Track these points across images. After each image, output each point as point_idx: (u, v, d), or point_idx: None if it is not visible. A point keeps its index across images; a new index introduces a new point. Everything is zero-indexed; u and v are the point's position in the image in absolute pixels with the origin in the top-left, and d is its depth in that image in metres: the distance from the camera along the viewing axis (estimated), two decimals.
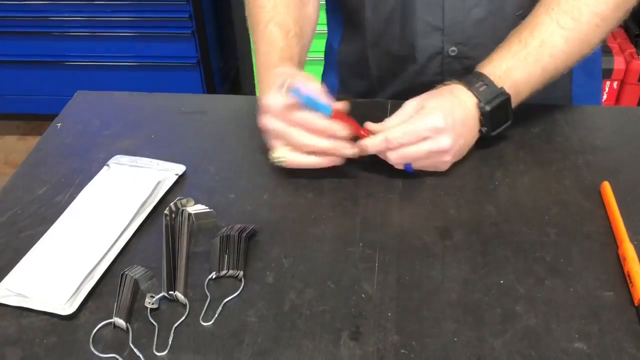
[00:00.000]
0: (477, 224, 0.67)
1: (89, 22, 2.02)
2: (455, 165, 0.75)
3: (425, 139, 0.69)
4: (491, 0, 0.81)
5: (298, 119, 0.70)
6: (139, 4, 1.97)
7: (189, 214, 0.68)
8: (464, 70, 0.85)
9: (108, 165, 0.77)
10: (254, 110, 0.85)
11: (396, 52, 0.88)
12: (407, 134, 0.69)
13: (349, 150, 0.71)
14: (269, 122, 0.72)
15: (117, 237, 0.67)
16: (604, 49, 2.06)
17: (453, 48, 0.85)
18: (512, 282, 0.60)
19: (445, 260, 0.63)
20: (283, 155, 0.72)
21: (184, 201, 0.70)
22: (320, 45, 1.03)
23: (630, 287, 0.59)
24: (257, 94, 0.79)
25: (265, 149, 0.75)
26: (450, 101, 0.72)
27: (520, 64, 0.74)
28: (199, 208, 0.69)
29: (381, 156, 0.72)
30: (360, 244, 0.65)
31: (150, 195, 0.72)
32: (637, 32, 2.12)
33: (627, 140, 0.79)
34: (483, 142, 0.79)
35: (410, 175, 0.73)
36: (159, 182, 0.73)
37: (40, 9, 2.01)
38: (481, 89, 0.73)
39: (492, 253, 0.64)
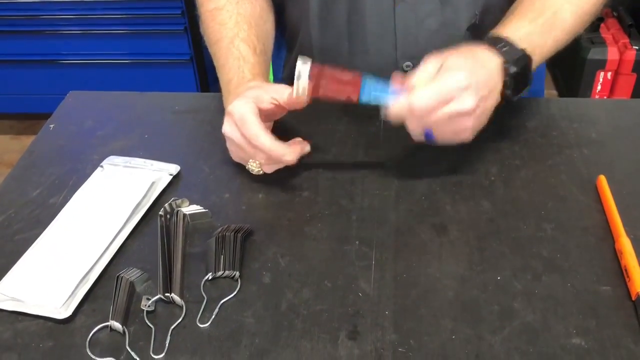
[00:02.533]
0: (474, 219, 0.67)
1: (82, 20, 2.01)
2: (451, 160, 0.75)
3: (448, 100, 0.64)
4: (444, 11, 0.80)
5: (248, 132, 0.68)
6: (131, 2, 1.96)
7: (184, 215, 0.68)
8: None
9: (102, 166, 0.76)
10: None
11: (347, 68, 0.86)
12: (431, 98, 0.64)
13: (289, 156, 0.68)
14: (231, 131, 0.70)
15: (112, 239, 0.66)
16: (598, 40, 2.06)
17: (407, 63, 0.83)
18: (509, 279, 0.60)
19: (442, 257, 0.63)
20: (257, 166, 0.71)
21: (178, 202, 0.69)
22: None
23: (627, 281, 0.59)
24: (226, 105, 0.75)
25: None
26: (473, 60, 0.67)
27: (538, 30, 0.73)
28: (194, 208, 0.69)
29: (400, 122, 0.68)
30: (357, 242, 0.65)
31: (145, 196, 0.72)
32: (630, 23, 2.11)
33: (623, 133, 0.79)
34: (477, 137, 0.78)
35: (406, 172, 0.73)
36: (153, 183, 0.73)
37: (32, 8, 1.99)
38: (504, 49, 0.69)
39: (488, 249, 0.64)
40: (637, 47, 2.03)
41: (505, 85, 0.69)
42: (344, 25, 0.82)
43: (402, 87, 0.67)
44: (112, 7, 1.97)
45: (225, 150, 0.79)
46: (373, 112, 0.84)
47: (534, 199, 0.69)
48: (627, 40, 2.05)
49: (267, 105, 0.69)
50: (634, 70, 2.05)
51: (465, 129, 0.67)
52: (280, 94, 0.69)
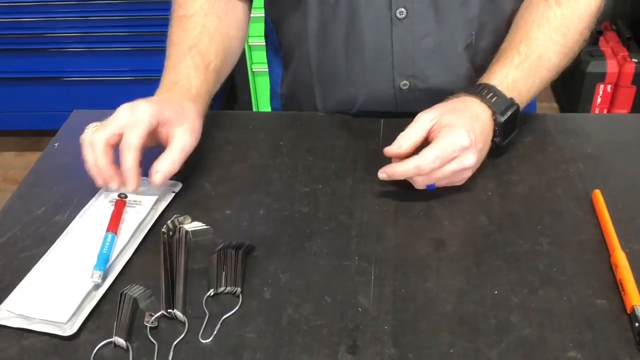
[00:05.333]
0: (471, 234, 0.68)
1: (85, 37, 2.03)
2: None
3: (451, 159, 0.69)
4: (440, 31, 0.81)
5: (128, 133, 0.70)
6: (135, 19, 1.98)
7: (186, 232, 0.69)
8: (418, 101, 0.85)
9: None
10: (249, 126, 0.87)
11: (345, 88, 0.88)
12: (437, 158, 0.68)
13: (131, 186, 0.70)
14: (119, 116, 0.73)
15: (116, 256, 0.68)
16: (597, 53, 2.08)
17: (405, 82, 0.84)
18: (506, 293, 0.61)
19: (440, 272, 0.64)
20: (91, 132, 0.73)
21: (181, 219, 0.70)
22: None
23: (622, 295, 0.60)
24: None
25: (257, 165, 0.76)
26: (468, 116, 0.71)
27: (524, 75, 0.76)
28: (196, 225, 0.70)
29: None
30: (356, 258, 0.66)
31: (148, 213, 0.73)
32: (629, 36, 2.13)
33: (618, 148, 0.80)
34: None
35: (404, 187, 0.74)
36: (156, 201, 0.74)
37: (36, 26, 2.02)
38: (493, 100, 0.73)
39: (486, 263, 0.65)
40: (636, 60, 2.05)
41: (494, 134, 0.74)
42: (341, 44, 0.84)
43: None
44: (115, 25, 2.00)
45: (225, 168, 0.80)
46: (372, 128, 0.86)
47: (531, 214, 0.70)
48: (626, 53, 2.07)
49: (151, 128, 0.72)
50: (633, 83, 2.07)
51: (463, 178, 0.73)
52: (176, 140, 0.73)
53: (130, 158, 0.69)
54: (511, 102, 0.74)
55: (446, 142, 0.68)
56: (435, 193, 0.74)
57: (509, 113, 0.73)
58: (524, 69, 0.76)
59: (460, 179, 0.72)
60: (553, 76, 0.79)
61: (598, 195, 0.70)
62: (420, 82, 0.84)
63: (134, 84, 2.12)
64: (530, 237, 0.67)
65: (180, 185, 0.77)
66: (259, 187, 0.77)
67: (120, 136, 0.71)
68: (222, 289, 0.63)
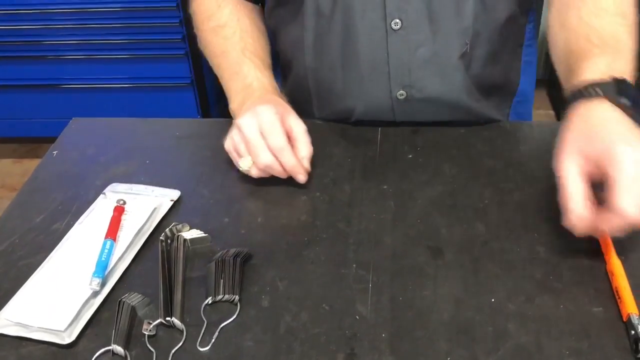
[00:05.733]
0: (468, 242, 0.69)
1: (83, 45, 2.04)
2: (446, 184, 0.76)
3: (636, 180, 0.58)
4: (435, 41, 0.82)
5: (275, 137, 0.74)
6: (133, 27, 1.99)
7: (185, 239, 0.69)
8: (415, 111, 0.86)
9: (104, 193, 0.78)
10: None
11: (342, 98, 0.88)
12: (632, 192, 0.58)
13: (302, 177, 0.75)
14: (250, 127, 0.74)
15: (114, 264, 0.68)
16: None
17: (401, 92, 0.85)
18: (503, 300, 0.62)
19: (437, 280, 0.64)
20: (248, 164, 0.76)
21: (179, 227, 0.71)
22: None
23: (618, 302, 0.60)
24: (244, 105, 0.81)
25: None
26: (605, 127, 0.62)
27: (611, 59, 0.70)
28: (194, 233, 0.70)
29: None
30: (354, 265, 0.66)
31: (147, 221, 0.73)
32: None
33: None
34: (472, 160, 0.80)
35: (402, 195, 0.74)
36: (155, 209, 0.75)
37: (34, 33, 2.03)
38: (602, 90, 0.65)
39: (483, 271, 0.65)
40: None
41: (633, 118, 0.64)
42: (337, 55, 0.85)
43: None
44: (114, 33, 2.00)
45: (223, 176, 0.80)
46: (370, 136, 0.86)
47: (527, 222, 0.71)
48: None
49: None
50: None
51: None
52: (297, 129, 0.76)
53: (291, 156, 0.74)
54: (621, 81, 0.65)
55: (622, 170, 0.58)
56: (431, 200, 0.74)
57: (629, 92, 0.65)
58: (608, 53, 0.70)
59: None
60: (634, 58, 0.72)
61: None
62: (417, 91, 0.84)
63: (132, 91, 2.12)
64: (527, 245, 0.68)
65: (178, 193, 0.77)
66: (257, 195, 0.77)
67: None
68: (220, 296, 0.63)
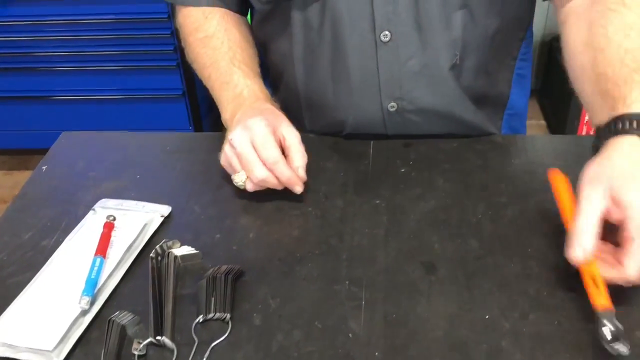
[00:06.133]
0: (462, 258, 0.68)
1: (75, 57, 2.03)
2: (439, 198, 0.76)
3: None
4: (425, 53, 0.82)
5: (266, 151, 0.73)
6: (124, 38, 1.98)
7: (175, 256, 0.69)
8: (407, 123, 0.86)
9: (94, 209, 0.77)
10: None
11: (333, 111, 0.88)
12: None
13: (298, 188, 0.75)
14: (242, 142, 0.74)
15: (103, 282, 0.67)
16: None
17: (392, 104, 0.85)
18: (497, 317, 0.61)
19: (430, 296, 0.64)
20: (242, 181, 0.75)
21: (169, 243, 0.70)
22: None
23: (590, 293, 0.59)
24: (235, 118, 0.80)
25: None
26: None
27: None
28: (185, 250, 0.69)
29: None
30: (347, 282, 0.66)
31: (137, 238, 0.72)
32: None
33: None
34: (465, 174, 0.80)
35: (395, 210, 0.74)
36: (145, 225, 0.74)
37: (25, 45, 2.02)
38: None
39: (476, 287, 0.64)
40: None
41: None
42: (327, 68, 0.84)
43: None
44: (105, 44, 2.00)
45: (215, 191, 0.80)
46: (362, 150, 0.86)
47: (520, 237, 0.70)
48: None
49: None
50: None
51: None
52: (290, 138, 0.75)
53: (285, 168, 0.73)
54: None
55: (634, 235, 0.57)
56: (424, 215, 0.74)
57: None
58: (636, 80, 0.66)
59: None
60: None
61: (556, 176, 0.67)
62: (408, 103, 0.84)
63: (123, 103, 2.11)
64: (521, 260, 0.67)
65: (169, 209, 0.76)
66: (249, 210, 0.77)
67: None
68: (211, 315, 0.62)
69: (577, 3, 0.76)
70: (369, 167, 0.83)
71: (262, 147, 0.73)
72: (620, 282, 0.59)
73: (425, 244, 0.70)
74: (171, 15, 1.88)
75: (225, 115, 0.82)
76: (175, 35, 1.95)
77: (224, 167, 0.77)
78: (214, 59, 0.86)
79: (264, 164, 0.73)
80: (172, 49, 1.98)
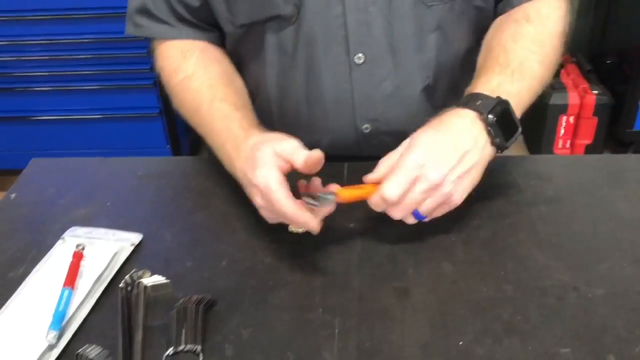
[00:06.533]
0: (435, 282, 0.68)
1: (53, 76, 2.01)
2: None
3: (415, 180, 0.66)
4: (398, 74, 0.82)
5: (275, 208, 0.66)
6: (101, 57, 1.97)
7: (145, 286, 0.67)
8: (382, 144, 0.84)
9: (63, 238, 0.75)
10: (212, 172, 0.85)
11: (307, 134, 0.85)
12: (398, 184, 0.65)
13: (315, 229, 0.67)
14: (262, 202, 0.68)
15: (72, 314, 0.65)
16: (559, 86, 2.12)
17: (366, 125, 0.84)
18: (471, 343, 0.61)
19: (404, 323, 0.63)
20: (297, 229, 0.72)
21: (139, 273, 0.69)
22: None
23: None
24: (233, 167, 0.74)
25: (219, 213, 0.75)
26: (434, 130, 0.68)
27: (508, 79, 0.73)
28: (155, 279, 0.68)
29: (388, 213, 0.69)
30: (320, 310, 0.65)
31: (107, 268, 0.71)
32: (589, 68, 2.18)
33: (579, 190, 0.81)
34: None
35: (369, 234, 0.73)
36: (115, 254, 0.72)
37: (3, 65, 2.00)
38: (478, 103, 0.70)
39: (450, 313, 0.64)
40: (596, 92, 2.09)
41: (491, 136, 0.69)
42: (301, 91, 0.84)
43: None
44: (81, 64, 1.99)
45: (187, 217, 0.79)
46: (336, 171, 0.85)
47: (494, 259, 0.70)
48: (586, 85, 2.11)
49: (285, 165, 0.67)
50: (594, 114, 2.11)
51: (448, 198, 0.68)
52: (292, 157, 0.67)
53: (296, 214, 0.66)
54: (498, 100, 0.70)
55: (401, 165, 0.66)
56: (398, 239, 0.73)
57: (498, 109, 0.69)
58: (507, 74, 0.73)
59: (444, 200, 0.68)
60: (539, 87, 0.77)
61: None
62: (383, 125, 0.84)
63: (100, 122, 2.10)
64: (494, 283, 0.67)
65: (140, 237, 0.75)
66: (221, 236, 0.76)
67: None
68: (181, 347, 0.61)
69: (502, 17, 0.84)
70: None
71: (273, 206, 0.66)
72: (377, 204, 0.67)
73: (399, 268, 0.70)
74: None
75: (224, 164, 0.77)
76: (151, 53, 1.94)
77: None
78: (197, 103, 0.82)
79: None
80: (148, 67, 1.97)
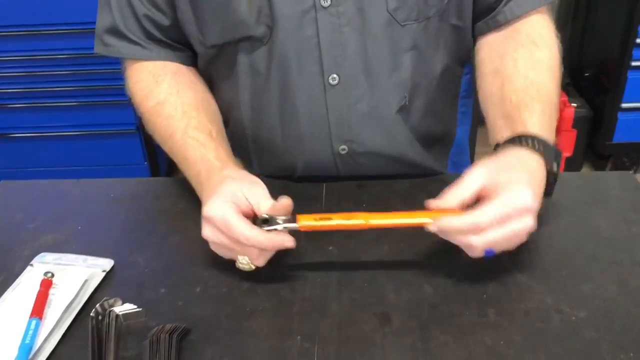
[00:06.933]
0: (416, 306, 0.66)
1: (30, 93, 1.98)
2: (392, 243, 0.74)
3: (512, 218, 0.62)
4: (374, 95, 0.80)
5: (235, 235, 0.65)
6: (76, 74, 1.94)
7: (117, 315, 0.65)
8: (359, 165, 0.84)
9: (32, 264, 0.73)
10: (186, 194, 0.83)
11: (282, 156, 0.85)
12: (498, 216, 0.61)
13: (290, 243, 0.66)
14: (213, 235, 0.67)
15: (40, 346, 0.63)
16: None
17: (343, 146, 0.83)
18: None
19: (385, 350, 0.61)
20: (247, 263, 0.68)
21: (111, 301, 0.66)
22: None
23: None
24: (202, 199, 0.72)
25: (193, 237, 0.73)
26: (527, 173, 0.65)
27: (547, 120, 0.73)
28: (127, 308, 0.66)
29: (451, 239, 0.65)
30: (298, 338, 0.63)
31: (77, 296, 0.68)
32: (567, 81, 2.20)
33: (561, 208, 0.80)
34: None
35: (348, 256, 0.72)
36: (85, 281, 0.70)
37: None
38: (543, 149, 0.68)
39: (432, 338, 0.62)
40: (575, 105, 2.10)
41: (547, 187, 0.69)
42: (276, 113, 0.82)
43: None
44: (56, 80, 1.96)
45: (160, 242, 0.77)
46: (314, 192, 0.84)
47: (476, 282, 0.69)
48: (565, 98, 2.12)
49: (245, 208, 0.67)
50: (574, 127, 2.12)
51: (518, 243, 0.65)
52: (258, 204, 0.67)
53: (260, 237, 0.65)
54: (557, 149, 0.70)
55: (509, 199, 0.62)
56: (378, 261, 0.72)
57: (558, 160, 0.69)
58: (545, 113, 0.74)
59: (515, 244, 0.65)
60: (557, 110, 0.78)
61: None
62: (359, 146, 0.83)
63: (77, 138, 2.06)
64: (476, 307, 0.66)
65: (112, 263, 0.73)
66: (196, 261, 0.73)
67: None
68: None
69: (491, 36, 0.83)
70: (322, 211, 0.80)
71: (228, 231, 0.65)
72: (464, 226, 0.62)
73: (379, 292, 0.68)
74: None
75: (198, 195, 0.76)
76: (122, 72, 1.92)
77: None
78: (170, 130, 0.80)
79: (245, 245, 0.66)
80: (124, 83, 1.94)
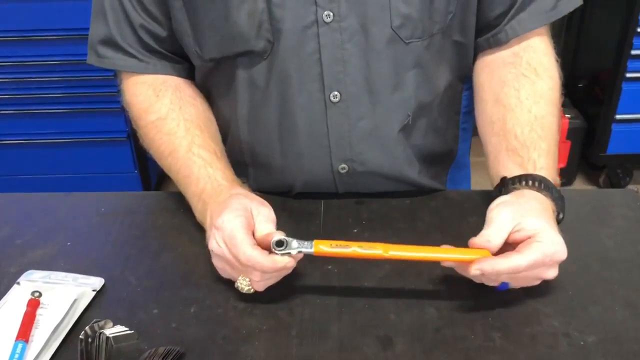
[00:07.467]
0: (419, 329, 0.64)
1: (17, 100, 1.95)
2: (393, 262, 0.72)
3: (540, 265, 0.63)
4: (375, 113, 0.78)
5: (236, 251, 0.63)
6: (67, 80, 1.91)
7: (107, 337, 0.62)
8: (358, 184, 0.82)
9: (19, 282, 0.70)
10: (180, 209, 0.81)
11: (281, 173, 0.83)
12: (535, 263, 0.62)
13: (291, 264, 0.64)
14: (218, 248, 0.65)
15: None
16: None
17: (343, 165, 0.81)
18: None
19: None
20: (247, 284, 0.66)
21: (101, 323, 0.63)
22: None
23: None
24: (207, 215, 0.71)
25: (188, 254, 0.71)
26: (552, 220, 0.67)
27: (552, 158, 0.75)
28: (118, 330, 0.63)
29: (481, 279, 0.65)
30: None
31: (65, 316, 0.66)
32: (562, 92, 2.19)
33: (563, 227, 0.77)
34: (419, 234, 0.76)
35: (348, 276, 0.69)
36: (75, 301, 0.67)
37: None
38: (554, 196, 0.70)
39: None
40: (569, 116, 2.10)
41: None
42: (275, 128, 0.80)
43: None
44: (48, 87, 1.93)
45: (153, 258, 0.74)
46: (312, 209, 0.82)
47: (480, 304, 0.66)
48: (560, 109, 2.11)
49: (253, 225, 0.66)
50: (568, 138, 2.12)
51: (535, 283, 0.67)
52: (259, 225, 0.66)
53: (261, 263, 0.63)
54: (562, 196, 0.71)
55: (547, 249, 0.63)
56: (379, 282, 0.69)
57: (564, 209, 0.71)
58: (550, 152, 0.75)
59: (532, 284, 0.66)
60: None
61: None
62: (359, 165, 0.80)
63: (67, 146, 2.04)
64: (482, 330, 0.63)
65: (102, 281, 0.70)
66: (190, 280, 0.71)
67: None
68: None
69: (492, 57, 0.81)
70: (320, 228, 0.78)
71: (232, 247, 0.64)
72: (506, 269, 0.62)
73: (381, 314, 0.66)
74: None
75: (196, 214, 0.76)
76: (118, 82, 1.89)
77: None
78: (172, 147, 0.78)
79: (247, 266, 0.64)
80: (115, 90, 1.91)
